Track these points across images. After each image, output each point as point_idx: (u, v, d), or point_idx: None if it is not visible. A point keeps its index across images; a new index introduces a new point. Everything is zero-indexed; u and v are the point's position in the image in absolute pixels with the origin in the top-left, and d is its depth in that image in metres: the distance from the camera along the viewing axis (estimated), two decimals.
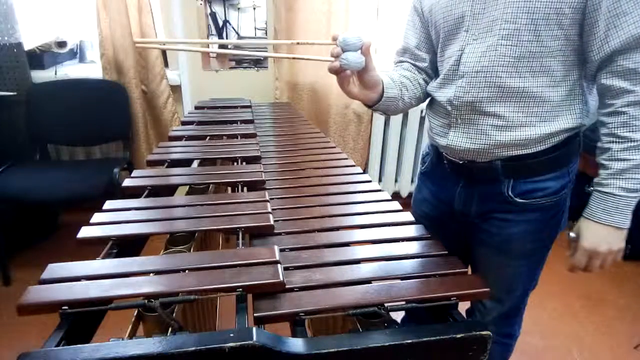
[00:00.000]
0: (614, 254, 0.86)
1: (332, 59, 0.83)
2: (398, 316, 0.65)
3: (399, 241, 0.85)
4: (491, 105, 0.88)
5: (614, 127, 0.81)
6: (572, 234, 0.90)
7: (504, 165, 0.91)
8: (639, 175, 0.80)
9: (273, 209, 0.93)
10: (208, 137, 1.46)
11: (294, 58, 0.96)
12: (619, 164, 0.81)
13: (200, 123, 1.65)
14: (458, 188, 1.01)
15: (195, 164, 1.26)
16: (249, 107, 1.91)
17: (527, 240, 0.96)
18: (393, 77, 0.99)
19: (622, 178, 0.81)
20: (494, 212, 0.96)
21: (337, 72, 0.85)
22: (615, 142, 0.82)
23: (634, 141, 0.79)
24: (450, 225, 1.06)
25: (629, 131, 0.79)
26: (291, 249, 0.81)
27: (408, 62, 1.07)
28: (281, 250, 0.76)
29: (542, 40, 0.81)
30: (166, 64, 2.36)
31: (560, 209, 0.93)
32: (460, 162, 0.97)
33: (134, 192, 1.03)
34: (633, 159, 0.80)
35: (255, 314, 0.63)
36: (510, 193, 0.92)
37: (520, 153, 0.89)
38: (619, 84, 0.79)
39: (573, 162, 0.95)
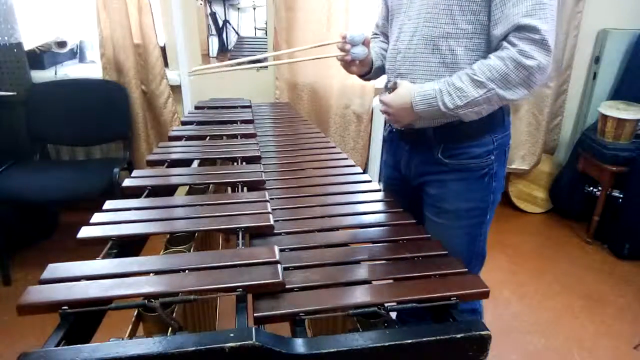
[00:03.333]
0: (395, 119, 1.04)
1: (342, 53, 1.09)
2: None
3: (399, 241, 0.85)
4: (418, 78, 1.02)
5: (481, 63, 0.93)
6: (397, 82, 1.04)
7: (435, 131, 1.05)
8: (457, 97, 0.93)
9: (273, 209, 0.93)
10: (208, 137, 1.46)
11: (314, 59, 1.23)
12: (457, 79, 0.94)
13: (200, 123, 1.65)
14: (403, 152, 1.15)
15: (195, 164, 1.26)
16: (249, 107, 1.91)
17: (459, 199, 1.08)
18: (375, 50, 1.20)
19: (449, 91, 0.93)
20: (429, 175, 1.10)
21: (348, 62, 1.11)
22: (472, 70, 0.93)
23: (477, 78, 0.91)
24: (404, 189, 1.18)
25: (484, 71, 0.91)
26: (291, 249, 0.81)
27: (381, 35, 1.26)
28: (281, 250, 0.76)
29: (457, 24, 0.95)
30: (166, 64, 2.36)
31: (488, 172, 1.06)
32: (402, 129, 1.12)
33: (134, 192, 1.03)
34: (465, 85, 0.92)
35: (255, 314, 0.63)
36: (440, 155, 1.06)
37: (447, 121, 1.02)
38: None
39: (497, 132, 1.05)
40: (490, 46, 0.97)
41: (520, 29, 0.87)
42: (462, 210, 1.09)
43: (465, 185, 1.07)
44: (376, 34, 1.28)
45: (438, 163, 1.07)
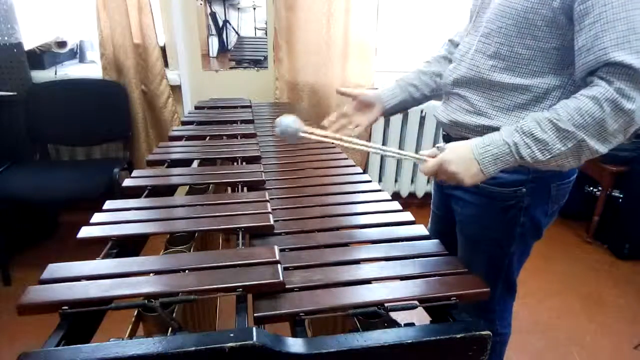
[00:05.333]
0: (455, 180, 0.83)
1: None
2: (398, 316, 0.65)
3: (399, 241, 0.85)
4: (463, 89, 0.96)
5: (567, 106, 0.77)
6: (443, 145, 0.87)
7: None
8: (539, 151, 0.77)
9: (273, 209, 0.93)
10: (208, 137, 1.46)
11: None
12: (536, 128, 0.77)
13: (200, 123, 1.65)
14: None
15: (195, 164, 1.26)
16: (249, 107, 1.91)
17: (475, 225, 1.02)
18: (400, 84, 1.15)
19: (527, 143, 0.78)
20: (456, 189, 1.03)
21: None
22: (556, 114, 0.77)
23: (563, 127, 0.75)
24: (441, 193, 1.16)
25: (572, 117, 0.75)
26: (291, 249, 0.81)
27: (453, 41, 1.15)
28: (281, 250, 0.76)
29: (513, 46, 0.86)
30: (166, 64, 2.36)
31: (516, 205, 0.95)
32: (444, 134, 1.08)
33: (134, 192, 1.03)
34: (548, 136, 0.76)
35: (255, 314, 0.63)
36: None
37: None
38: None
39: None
40: (556, 75, 0.86)
41: (610, 66, 0.72)
42: (479, 236, 1.03)
43: (484, 212, 0.98)
44: (450, 40, 1.17)
45: None
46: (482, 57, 0.91)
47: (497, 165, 0.80)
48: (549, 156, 0.77)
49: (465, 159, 0.81)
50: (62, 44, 2.36)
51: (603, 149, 0.76)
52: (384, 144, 2.59)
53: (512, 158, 0.79)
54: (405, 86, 1.14)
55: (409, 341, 0.58)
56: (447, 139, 1.04)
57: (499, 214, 0.97)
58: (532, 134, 0.77)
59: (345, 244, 0.84)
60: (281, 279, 0.67)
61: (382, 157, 2.64)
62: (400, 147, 2.61)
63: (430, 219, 1.30)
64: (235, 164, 1.25)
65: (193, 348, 0.53)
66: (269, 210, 0.91)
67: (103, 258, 0.76)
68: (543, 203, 0.97)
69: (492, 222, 0.99)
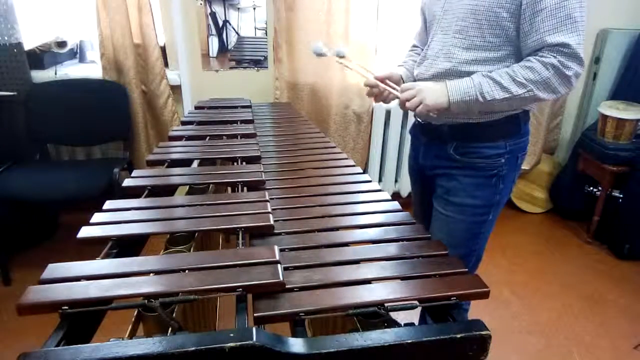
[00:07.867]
0: (419, 105, 1.04)
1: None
2: (398, 316, 0.65)
3: (398, 241, 0.85)
4: (442, 81, 1.07)
5: (521, 67, 1.00)
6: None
7: (450, 129, 1.13)
8: (496, 90, 1.00)
9: (273, 209, 0.93)
10: (208, 137, 1.46)
11: None
12: (498, 76, 1.00)
13: (200, 123, 1.65)
14: (421, 145, 1.25)
15: (195, 164, 1.26)
16: (249, 107, 1.91)
17: (466, 195, 1.15)
18: (408, 68, 1.27)
19: (490, 84, 1.00)
20: (441, 168, 1.19)
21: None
22: (512, 71, 1.00)
23: (518, 80, 0.99)
24: (420, 179, 1.31)
25: (525, 73, 0.98)
26: (291, 249, 0.81)
27: (419, 47, 1.32)
28: (281, 250, 0.76)
29: (485, 36, 1.03)
30: (166, 64, 2.36)
31: (497, 174, 1.13)
32: (423, 123, 1.22)
33: (134, 192, 1.03)
34: (504, 81, 0.99)
35: (255, 314, 0.63)
36: (452, 152, 1.15)
37: (463, 121, 1.10)
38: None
39: (511, 138, 1.12)
40: (517, 55, 1.04)
41: (551, 46, 0.95)
42: (467, 205, 1.16)
43: (473, 182, 1.14)
44: (415, 46, 1.35)
45: (450, 159, 1.15)
46: (458, 50, 1.06)
47: (461, 94, 1.01)
48: (505, 95, 0.99)
49: (436, 88, 1.04)
50: (62, 44, 2.36)
51: (547, 97, 1.00)
52: (384, 144, 2.59)
53: (474, 91, 1.00)
54: (411, 70, 1.29)
55: (409, 341, 0.58)
56: (424, 127, 1.21)
57: (484, 182, 1.14)
58: (493, 77, 1.00)
59: (345, 244, 0.84)
60: (281, 279, 0.67)
61: (382, 157, 2.64)
62: (400, 148, 2.61)
63: (414, 210, 1.42)
64: (235, 164, 1.25)
65: (193, 348, 0.53)
66: (269, 210, 0.91)
67: (103, 258, 0.76)
68: (513, 170, 1.16)
69: (479, 191, 1.14)
